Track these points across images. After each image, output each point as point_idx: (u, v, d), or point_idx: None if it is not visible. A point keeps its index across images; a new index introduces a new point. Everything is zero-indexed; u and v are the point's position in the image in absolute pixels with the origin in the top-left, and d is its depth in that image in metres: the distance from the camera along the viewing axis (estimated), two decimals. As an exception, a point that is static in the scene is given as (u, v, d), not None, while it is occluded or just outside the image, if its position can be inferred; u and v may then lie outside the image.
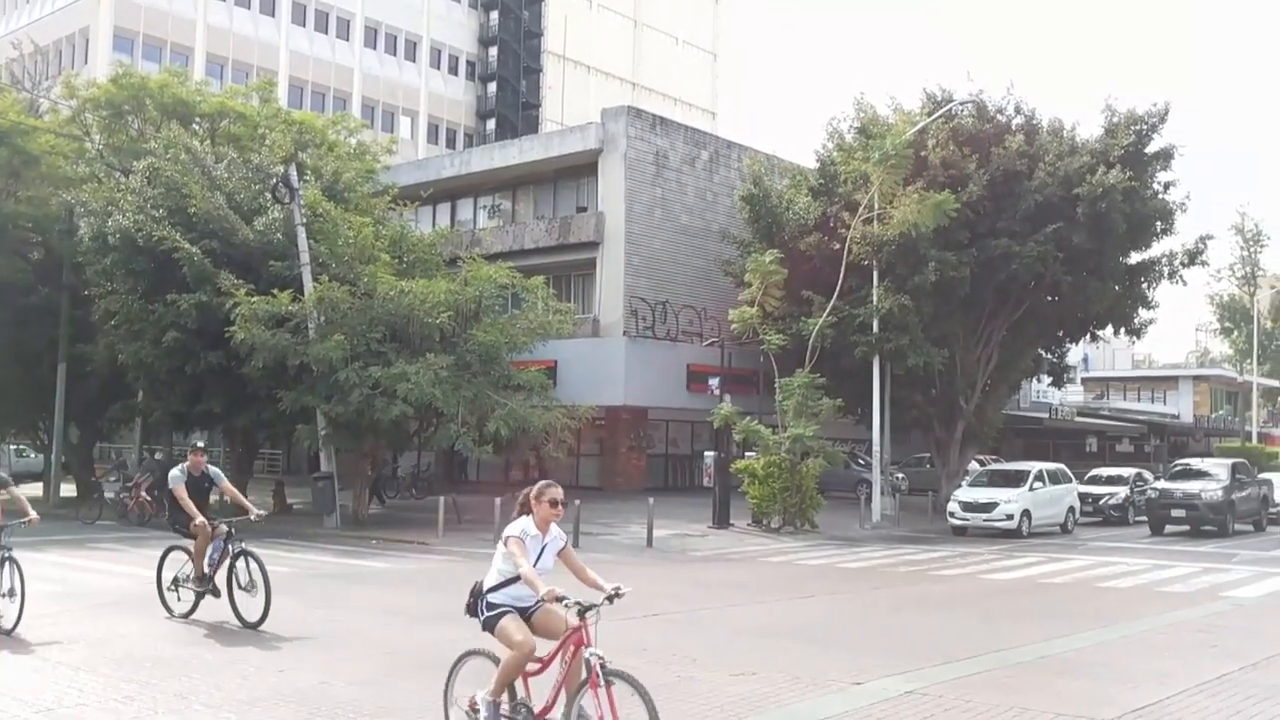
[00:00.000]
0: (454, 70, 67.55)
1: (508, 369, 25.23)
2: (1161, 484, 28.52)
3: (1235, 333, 71.20)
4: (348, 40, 62.07)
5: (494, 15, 68.45)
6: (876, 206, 27.26)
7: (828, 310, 27.09)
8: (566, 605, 6.25)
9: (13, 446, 41.80)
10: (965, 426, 31.78)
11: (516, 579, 6.53)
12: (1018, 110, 31.29)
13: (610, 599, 6.32)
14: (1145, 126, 29.68)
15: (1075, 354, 44.65)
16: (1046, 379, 40.93)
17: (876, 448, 28.31)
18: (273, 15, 59.11)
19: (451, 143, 65.52)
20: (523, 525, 6.64)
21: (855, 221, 27.23)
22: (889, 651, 10.77)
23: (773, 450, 25.20)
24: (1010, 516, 25.42)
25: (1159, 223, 30.12)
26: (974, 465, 34.03)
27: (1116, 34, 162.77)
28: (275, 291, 23.35)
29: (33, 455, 40.09)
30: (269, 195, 25.96)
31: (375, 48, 63.32)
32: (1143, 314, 32.69)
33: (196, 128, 31.00)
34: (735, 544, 22.80)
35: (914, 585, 16.82)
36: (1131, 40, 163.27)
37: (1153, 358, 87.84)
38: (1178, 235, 32.21)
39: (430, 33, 65.76)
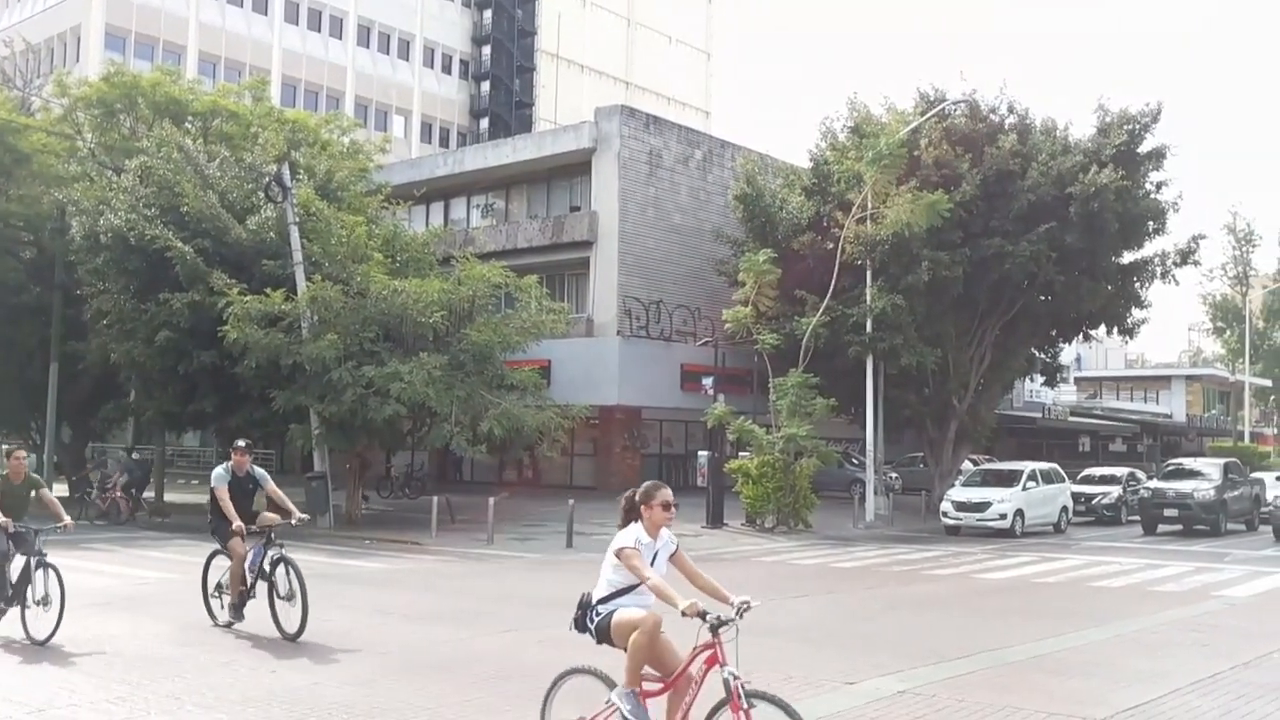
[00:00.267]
0: (447, 69, 67.49)
1: (501, 369, 25.21)
2: (1154, 483, 28.62)
3: (1227, 332, 71.41)
4: (341, 39, 61.96)
5: (487, 14, 68.44)
6: (870, 206, 27.29)
7: (821, 310, 27.11)
8: (707, 620, 5.69)
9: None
10: (958, 426, 31.84)
11: (630, 589, 6.12)
12: (1011, 110, 31.39)
13: (740, 613, 5.77)
14: (1138, 126, 29.77)
15: (1068, 353, 44.66)
16: (1039, 378, 41.04)
17: (870, 447, 28.36)
18: (265, 13, 58.97)
19: (445, 142, 65.45)
20: (635, 533, 6.14)
21: (849, 221, 27.26)
22: (882, 651, 10.77)
23: (766, 450, 25.21)
24: (1003, 516, 25.46)
25: (1151, 222, 30.20)
26: (967, 465, 34.11)
27: (1109, 34, 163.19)
28: (268, 291, 23.28)
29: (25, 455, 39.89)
30: (262, 194, 25.89)
31: (368, 46, 63.24)
32: (1135, 313, 32.83)
33: (189, 126, 30.94)
34: (729, 544, 22.80)
35: (907, 585, 16.83)
36: (1124, 41, 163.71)
37: (1145, 357, 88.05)
38: (1170, 235, 32.32)
39: (423, 31, 65.70)
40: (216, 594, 11.64)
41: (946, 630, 12.31)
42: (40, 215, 30.31)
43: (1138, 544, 24.40)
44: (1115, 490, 30.70)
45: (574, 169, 37.47)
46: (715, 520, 25.53)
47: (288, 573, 10.92)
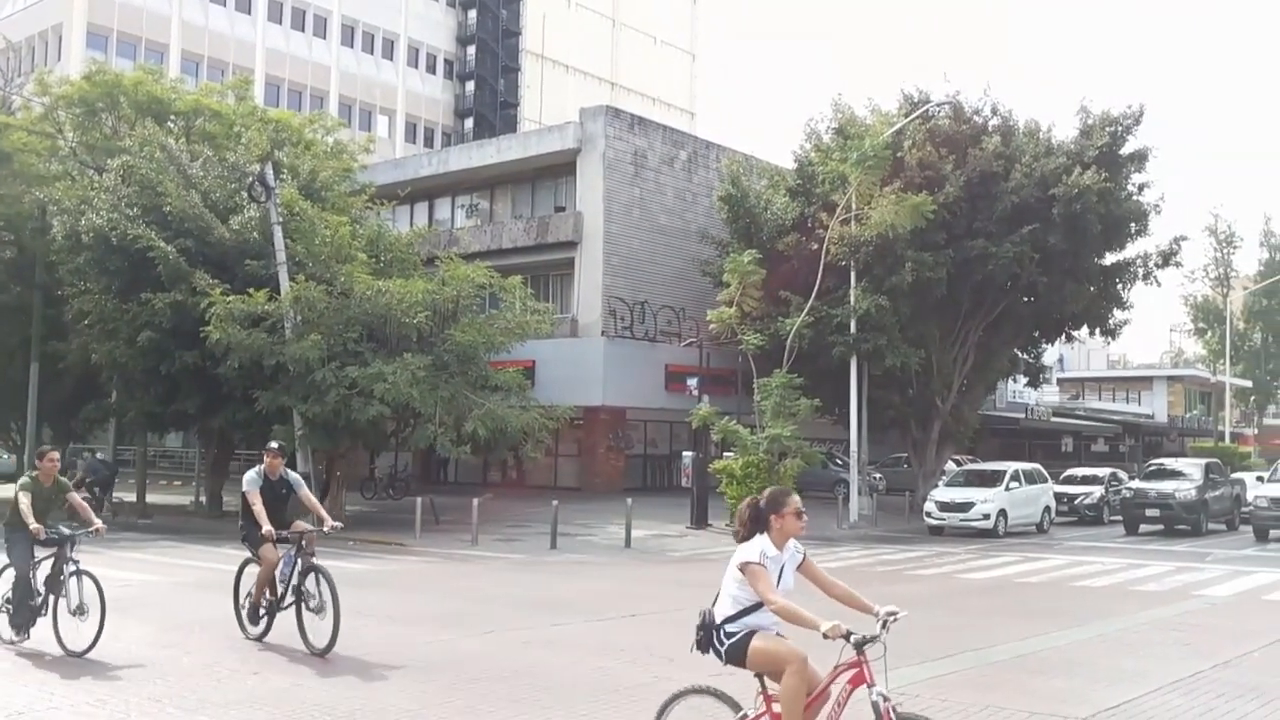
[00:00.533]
0: (432, 69, 67.34)
1: (485, 369, 25.17)
2: (1136, 484, 28.77)
3: (1209, 333, 71.86)
4: (324, 38, 61.74)
5: (472, 14, 68.33)
6: (854, 207, 27.35)
7: (805, 310, 27.16)
8: (851, 640, 5.33)
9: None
10: (942, 426, 31.94)
11: (755, 607, 5.65)
12: (994, 111, 31.51)
13: (886, 625, 5.39)
14: (1120, 128, 29.93)
15: (1051, 354, 44.90)
16: (1023, 379, 41.23)
17: (854, 448, 28.41)
18: (249, 12, 58.71)
19: (429, 142, 65.30)
20: (760, 546, 5.63)
21: (833, 222, 27.31)
22: (866, 651, 10.76)
23: (751, 450, 25.23)
24: (987, 516, 25.55)
25: (1133, 224, 30.37)
26: (951, 465, 34.20)
27: (1092, 36, 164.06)
28: (251, 291, 23.20)
29: (5, 456, 39.69)
30: (245, 194, 25.79)
31: (352, 46, 63.04)
32: (1117, 315, 33.02)
33: (171, 126, 30.77)
34: (713, 544, 22.79)
35: (890, 585, 16.85)
36: (1106, 43, 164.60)
37: (1127, 358, 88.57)
38: (1152, 237, 32.46)
39: (408, 31, 65.54)
40: (247, 604, 11.07)
41: (929, 630, 12.32)
42: (21, 214, 30.13)
43: (1120, 544, 24.52)
44: (1097, 490, 30.86)
45: (559, 169, 37.45)
46: (700, 521, 25.55)
47: (319, 582, 10.39)
